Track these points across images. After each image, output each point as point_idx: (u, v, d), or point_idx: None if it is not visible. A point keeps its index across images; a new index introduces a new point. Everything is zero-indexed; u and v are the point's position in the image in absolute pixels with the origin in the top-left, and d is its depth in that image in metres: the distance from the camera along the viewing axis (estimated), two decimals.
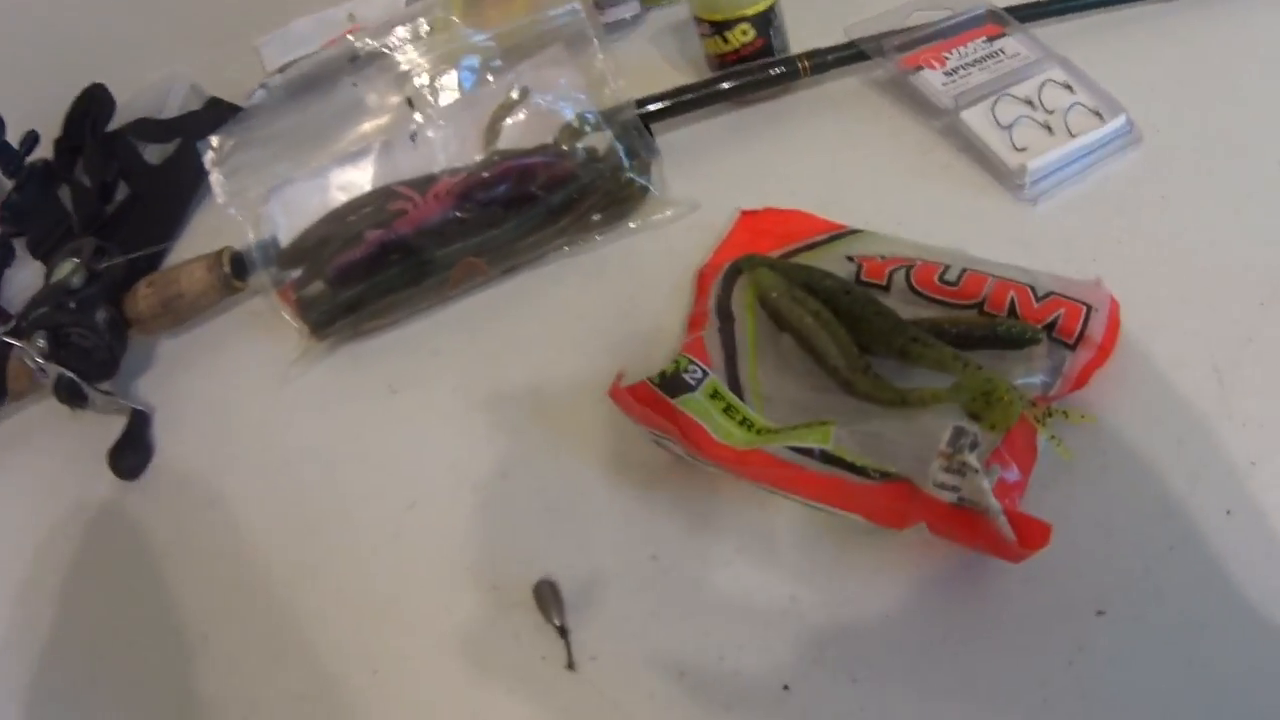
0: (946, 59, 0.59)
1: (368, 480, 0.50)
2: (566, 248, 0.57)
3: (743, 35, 0.60)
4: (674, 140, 0.62)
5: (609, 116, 0.58)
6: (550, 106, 0.60)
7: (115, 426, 0.58)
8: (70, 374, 0.56)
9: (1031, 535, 0.34)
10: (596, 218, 0.57)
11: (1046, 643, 0.35)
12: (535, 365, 0.52)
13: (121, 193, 0.83)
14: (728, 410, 0.41)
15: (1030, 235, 0.49)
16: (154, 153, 0.85)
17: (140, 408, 0.59)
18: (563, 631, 0.39)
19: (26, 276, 0.83)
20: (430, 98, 0.59)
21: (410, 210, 0.55)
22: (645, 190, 0.57)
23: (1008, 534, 0.34)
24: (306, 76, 0.81)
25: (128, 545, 0.53)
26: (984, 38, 0.60)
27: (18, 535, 0.57)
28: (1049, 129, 0.54)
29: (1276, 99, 0.54)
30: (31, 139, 0.86)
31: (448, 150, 0.58)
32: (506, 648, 0.41)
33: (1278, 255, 0.46)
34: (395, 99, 0.59)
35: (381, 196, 0.57)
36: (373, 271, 0.55)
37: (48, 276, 0.63)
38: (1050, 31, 0.62)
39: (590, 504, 0.44)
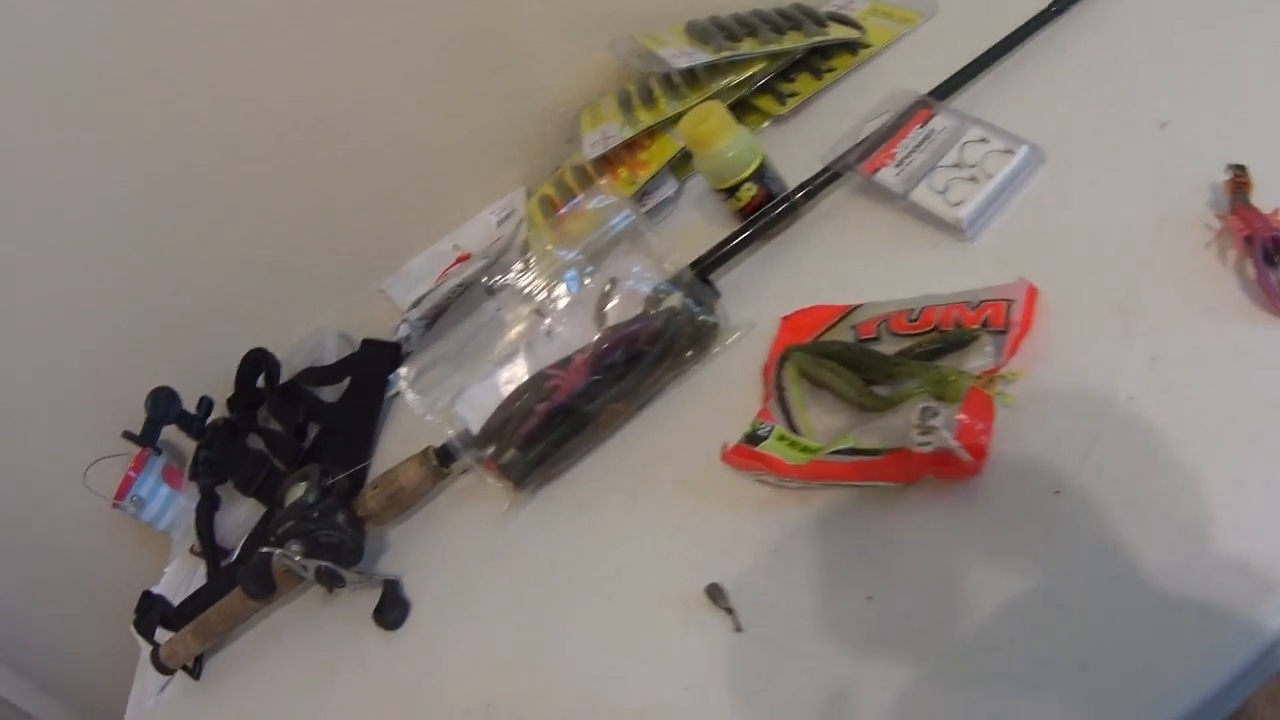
0: (895, 154, 0.75)
1: (575, 579, 0.67)
2: (673, 382, 0.75)
3: (748, 192, 0.77)
4: (729, 280, 0.79)
5: (675, 281, 0.75)
6: (634, 287, 0.77)
7: (361, 603, 0.76)
8: (328, 564, 0.74)
9: (979, 454, 0.50)
10: (689, 354, 0.74)
11: (1025, 519, 0.50)
12: (675, 460, 0.68)
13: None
14: (791, 445, 0.59)
15: (974, 265, 0.65)
16: (326, 392, 1.01)
17: (391, 577, 0.76)
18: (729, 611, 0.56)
19: (240, 513, 1.02)
20: (552, 305, 0.79)
21: (561, 384, 0.73)
22: (715, 326, 0.74)
23: (964, 457, 0.50)
24: (437, 307, 0.99)
25: (409, 672, 0.71)
26: (919, 124, 0.76)
27: (318, 684, 0.76)
28: (975, 179, 0.69)
29: (1136, 79, 0.69)
30: (207, 404, 1.04)
31: (574, 336, 0.76)
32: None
33: (1156, 208, 0.59)
34: (526, 310, 0.79)
35: (538, 380, 0.75)
36: (548, 432, 0.73)
37: (280, 502, 0.80)
38: (965, 99, 0.79)
39: (723, 527, 0.61)
